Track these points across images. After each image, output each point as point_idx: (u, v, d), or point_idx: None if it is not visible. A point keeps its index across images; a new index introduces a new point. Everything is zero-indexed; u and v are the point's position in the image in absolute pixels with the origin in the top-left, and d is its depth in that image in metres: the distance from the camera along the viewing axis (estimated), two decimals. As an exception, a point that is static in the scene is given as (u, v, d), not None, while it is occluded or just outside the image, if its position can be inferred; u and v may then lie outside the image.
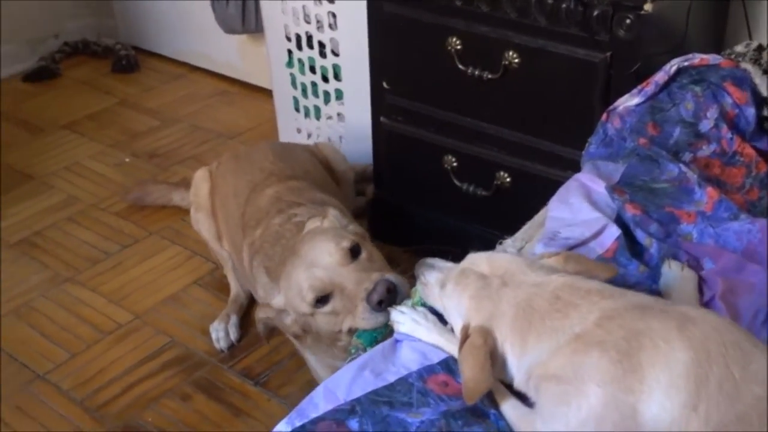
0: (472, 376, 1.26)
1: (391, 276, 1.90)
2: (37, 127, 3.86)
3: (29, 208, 3.30)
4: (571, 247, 1.67)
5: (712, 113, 1.93)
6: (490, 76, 2.39)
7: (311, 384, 2.28)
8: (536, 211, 1.88)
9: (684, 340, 1.16)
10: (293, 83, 3.23)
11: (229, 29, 3.74)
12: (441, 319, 1.50)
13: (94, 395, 2.47)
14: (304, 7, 2.99)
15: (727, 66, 1.99)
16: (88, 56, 4.43)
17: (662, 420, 1.14)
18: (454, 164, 2.62)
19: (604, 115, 2.00)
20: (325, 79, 3.10)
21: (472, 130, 2.54)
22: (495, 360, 1.29)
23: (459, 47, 2.43)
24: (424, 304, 1.56)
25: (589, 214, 1.75)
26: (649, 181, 1.83)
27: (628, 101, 1.98)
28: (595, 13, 2.17)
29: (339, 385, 1.43)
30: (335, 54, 3.01)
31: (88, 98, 4.07)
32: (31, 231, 3.17)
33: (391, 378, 1.43)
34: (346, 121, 3.14)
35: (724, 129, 1.91)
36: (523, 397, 1.31)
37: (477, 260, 1.40)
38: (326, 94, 3.14)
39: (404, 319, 1.55)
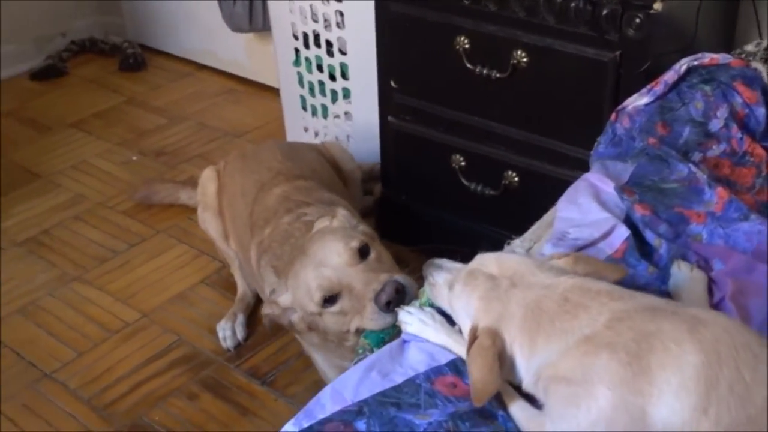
0: (480, 377, 1.26)
1: (400, 277, 1.90)
2: (44, 126, 3.86)
3: (36, 207, 3.30)
4: (580, 248, 1.66)
5: (722, 113, 1.91)
6: (498, 76, 2.38)
7: (318, 384, 2.28)
8: (545, 210, 1.87)
9: (695, 343, 1.15)
10: (300, 82, 3.23)
11: (236, 28, 3.74)
12: (449, 319, 1.50)
13: (101, 394, 2.47)
14: (311, 5, 2.99)
15: (738, 65, 1.98)
16: (96, 54, 4.44)
17: (672, 423, 1.13)
18: (462, 163, 2.62)
19: (613, 115, 1.99)
20: (333, 78, 3.09)
21: (480, 129, 2.54)
22: (503, 361, 1.28)
23: (467, 46, 2.43)
24: (432, 305, 1.55)
25: (598, 215, 1.74)
26: (658, 181, 1.82)
27: (638, 101, 1.97)
28: (605, 12, 2.16)
29: (346, 386, 1.42)
30: (342, 53, 3.01)
31: (95, 96, 4.08)
32: (38, 229, 3.18)
33: (399, 379, 1.42)
34: (353, 119, 3.13)
35: (734, 129, 1.89)
36: (531, 399, 1.31)
37: (486, 261, 1.39)
38: (333, 92, 3.13)
39: (412, 319, 1.54)
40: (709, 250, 1.64)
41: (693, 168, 1.80)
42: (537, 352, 1.26)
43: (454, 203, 2.69)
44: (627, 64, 2.18)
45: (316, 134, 3.29)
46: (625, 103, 1.99)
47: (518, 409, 1.31)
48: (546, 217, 1.84)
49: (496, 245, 1.65)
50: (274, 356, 2.57)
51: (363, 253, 1.97)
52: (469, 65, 2.42)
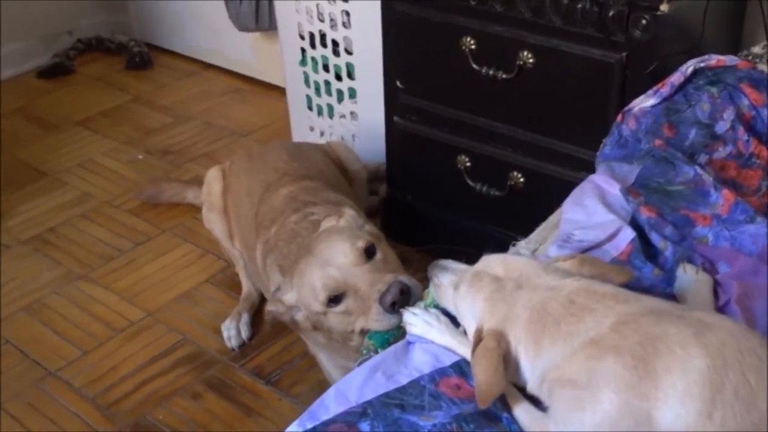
0: (485, 379, 1.26)
1: (405, 278, 1.90)
2: (50, 124, 3.87)
3: (42, 205, 3.31)
4: (586, 250, 1.66)
5: (729, 115, 1.91)
6: (504, 76, 2.38)
7: (322, 383, 2.28)
8: (550, 211, 1.86)
9: (700, 347, 1.15)
10: (306, 81, 3.23)
11: (243, 27, 3.74)
12: (454, 321, 1.50)
13: (106, 393, 2.48)
14: (317, 5, 2.99)
15: (744, 67, 1.97)
16: (102, 53, 4.45)
17: (677, 427, 1.12)
18: (468, 164, 2.61)
19: (619, 116, 1.99)
20: (339, 78, 3.09)
21: (486, 129, 2.53)
22: (508, 363, 1.28)
23: (473, 47, 2.42)
24: (437, 306, 1.55)
25: (604, 217, 1.74)
26: (664, 183, 1.82)
27: (644, 102, 1.96)
28: (611, 13, 2.15)
29: (350, 387, 1.42)
30: (348, 52, 3.01)
31: (101, 95, 4.09)
32: (43, 228, 3.18)
33: (403, 380, 1.42)
34: (359, 119, 3.13)
35: (741, 131, 1.89)
36: (536, 401, 1.30)
37: (491, 262, 1.39)
38: (339, 92, 3.13)
39: (417, 320, 1.54)
40: (715, 253, 1.64)
41: (699, 170, 1.80)
42: (542, 355, 1.26)
43: (460, 204, 2.69)
44: (633, 66, 2.18)
45: (322, 134, 3.29)
46: (631, 105, 1.99)
47: (523, 412, 1.31)
48: (551, 219, 1.84)
49: (501, 246, 1.65)
50: (278, 356, 2.57)
51: (369, 253, 1.97)
52: (475, 66, 2.42)
